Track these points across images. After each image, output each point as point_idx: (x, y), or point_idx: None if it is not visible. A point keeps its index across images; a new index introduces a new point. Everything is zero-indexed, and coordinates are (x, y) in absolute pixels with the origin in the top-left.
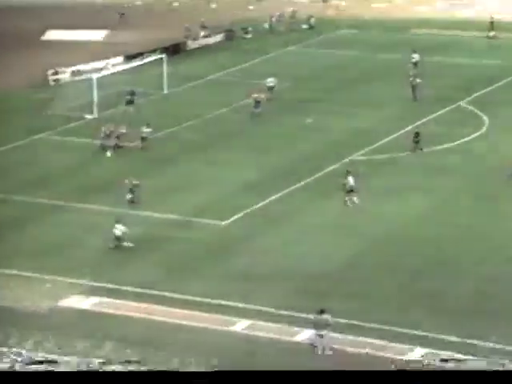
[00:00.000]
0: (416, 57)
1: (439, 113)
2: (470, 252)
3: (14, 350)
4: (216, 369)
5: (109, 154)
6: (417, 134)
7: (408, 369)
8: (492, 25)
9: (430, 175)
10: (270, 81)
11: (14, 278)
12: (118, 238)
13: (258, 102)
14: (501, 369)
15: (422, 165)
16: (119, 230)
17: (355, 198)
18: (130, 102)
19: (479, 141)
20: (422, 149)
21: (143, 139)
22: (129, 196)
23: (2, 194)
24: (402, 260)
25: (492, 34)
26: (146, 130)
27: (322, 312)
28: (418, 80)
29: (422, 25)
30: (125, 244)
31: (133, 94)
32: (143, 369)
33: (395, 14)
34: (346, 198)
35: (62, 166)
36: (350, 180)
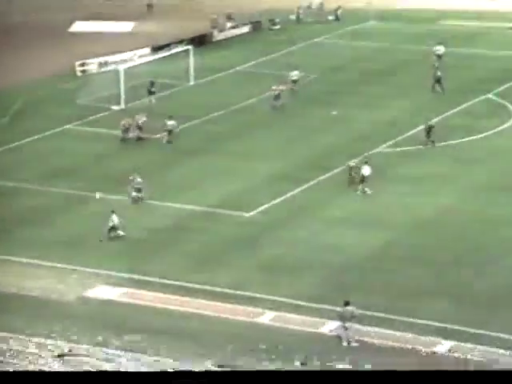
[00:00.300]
0: (441, 49)
1: (466, 104)
2: (496, 244)
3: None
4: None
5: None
6: (429, 128)
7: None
8: None
9: (456, 167)
10: (294, 74)
11: (41, 268)
12: (113, 228)
13: (277, 95)
14: None
15: (449, 157)
16: (113, 220)
17: (367, 189)
18: (150, 93)
19: (507, 132)
20: (433, 141)
21: (169, 132)
22: (134, 194)
23: (29, 184)
24: (428, 252)
25: None
26: (169, 122)
27: (347, 304)
28: (439, 73)
29: (450, 16)
30: (119, 233)
31: (152, 84)
32: (144, 369)
33: (422, 6)
34: (359, 187)
35: (89, 156)
36: (366, 170)
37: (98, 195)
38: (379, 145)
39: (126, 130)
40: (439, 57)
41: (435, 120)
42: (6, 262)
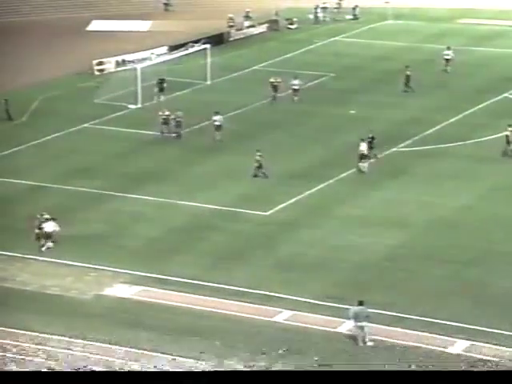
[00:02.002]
0: (449, 53)
1: (485, 103)
2: None
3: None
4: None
5: None
6: (371, 139)
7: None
8: None
9: (475, 166)
10: (295, 83)
11: (60, 266)
12: (48, 236)
13: (275, 87)
14: None
15: (468, 155)
16: (49, 227)
17: (366, 165)
18: (161, 90)
19: None
20: (376, 155)
21: (218, 128)
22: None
23: (47, 183)
24: (445, 251)
25: None
26: (215, 117)
27: (361, 303)
28: (408, 72)
29: (469, 15)
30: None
31: (163, 81)
32: (144, 369)
33: (441, 4)
34: (359, 164)
35: (107, 155)
36: (362, 147)
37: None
38: (397, 144)
39: (165, 123)
40: (448, 61)
41: (455, 118)
42: (24, 260)
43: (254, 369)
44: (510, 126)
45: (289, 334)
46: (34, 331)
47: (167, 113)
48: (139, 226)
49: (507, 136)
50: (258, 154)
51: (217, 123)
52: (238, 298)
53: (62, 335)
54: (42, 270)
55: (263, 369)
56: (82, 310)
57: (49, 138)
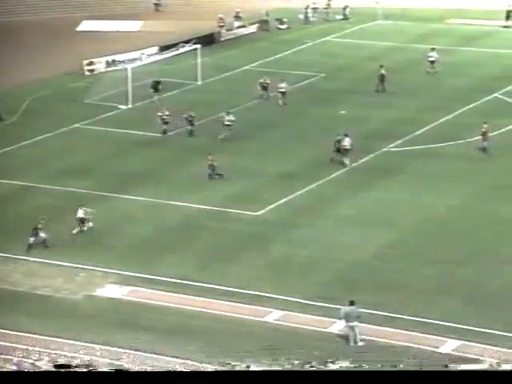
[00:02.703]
0: (434, 55)
1: (475, 103)
2: (506, 243)
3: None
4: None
5: None
6: (338, 142)
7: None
8: (510, 13)
9: (466, 166)
10: (282, 86)
11: (50, 266)
12: (81, 220)
13: (264, 87)
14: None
15: (458, 155)
16: (81, 213)
17: (347, 161)
18: (156, 91)
19: None
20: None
21: (228, 126)
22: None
23: (37, 183)
24: (436, 250)
25: (509, 23)
26: (227, 117)
27: (352, 303)
28: (383, 71)
29: (458, 15)
30: (86, 227)
31: (158, 83)
32: (136, 369)
33: (430, 4)
34: (343, 159)
35: (98, 155)
36: (346, 142)
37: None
38: (388, 143)
39: (166, 122)
40: (432, 63)
41: (446, 118)
42: (15, 260)
43: (252, 369)
44: (485, 123)
45: (280, 334)
46: (25, 332)
47: (167, 113)
48: (130, 227)
49: (483, 132)
50: (210, 157)
51: (227, 123)
52: (229, 298)
53: (53, 336)
54: (33, 271)
55: (255, 369)
56: (73, 311)
57: (39, 138)
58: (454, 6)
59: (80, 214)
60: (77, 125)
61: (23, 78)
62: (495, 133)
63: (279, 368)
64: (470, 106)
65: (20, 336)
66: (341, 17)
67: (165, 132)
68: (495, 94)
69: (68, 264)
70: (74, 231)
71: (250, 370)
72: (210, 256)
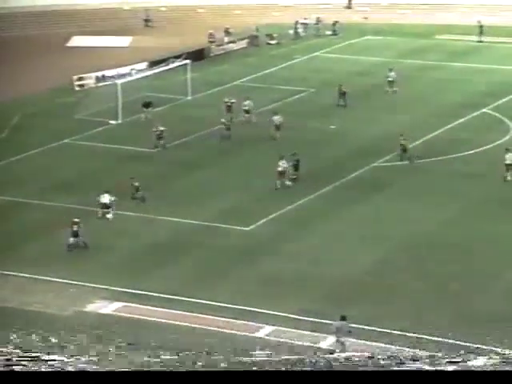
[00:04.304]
0: (392, 75)
1: (464, 119)
2: (496, 258)
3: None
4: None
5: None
6: (297, 162)
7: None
8: (481, 29)
9: (455, 181)
10: (246, 104)
11: (40, 282)
12: (105, 205)
13: (229, 107)
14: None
15: (448, 171)
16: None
17: (289, 182)
18: (146, 107)
19: (505, 147)
20: (294, 179)
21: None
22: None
23: (27, 199)
24: (426, 266)
25: (482, 38)
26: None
27: (343, 319)
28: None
29: (447, 30)
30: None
31: (149, 104)
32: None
33: (419, 20)
34: (283, 181)
35: (87, 171)
36: (282, 163)
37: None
38: (378, 159)
39: (159, 137)
40: (390, 83)
41: (435, 133)
42: (4, 276)
43: (254, 369)
44: (401, 135)
45: (270, 350)
46: (15, 348)
47: (161, 128)
48: (120, 242)
49: (402, 145)
50: (134, 182)
51: (275, 123)
52: (219, 314)
53: (40, 352)
54: (23, 287)
55: (255, 369)
56: (63, 327)
57: (29, 153)
58: (442, 21)
59: (104, 199)
60: (67, 140)
61: (13, 93)
62: (484, 148)
63: (276, 368)
64: (459, 121)
65: (9, 352)
66: (330, 32)
67: (156, 146)
68: (484, 110)
69: (58, 279)
70: (99, 214)
71: (250, 370)
72: (200, 271)
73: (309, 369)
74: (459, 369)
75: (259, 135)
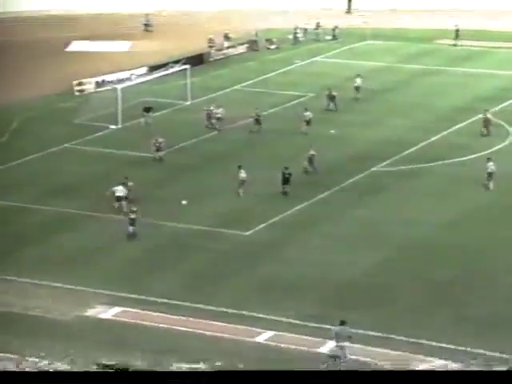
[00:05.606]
0: (358, 81)
1: (464, 123)
2: (496, 261)
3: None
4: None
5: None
6: (289, 175)
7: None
8: (457, 33)
9: (455, 185)
10: (219, 112)
11: (40, 287)
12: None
13: (210, 117)
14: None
15: (448, 175)
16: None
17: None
18: (147, 111)
19: (504, 151)
20: (286, 192)
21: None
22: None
23: (27, 204)
24: (427, 269)
25: (459, 42)
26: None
27: (342, 323)
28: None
29: (446, 35)
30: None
31: (149, 109)
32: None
33: (419, 25)
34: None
35: (87, 175)
36: (242, 173)
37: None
38: (377, 163)
39: (159, 149)
40: (357, 88)
41: (435, 138)
42: (4, 281)
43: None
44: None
45: (270, 355)
46: (17, 354)
47: (161, 140)
48: (119, 247)
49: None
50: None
51: (306, 119)
52: (219, 319)
53: (43, 357)
54: (24, 292)
55: (250, 369)
56: (63, 332)
57: (29, 158)
58: (441, 26)
59: (118, 192)
60: (66, 145)
61: (12, 98)
62: (483, 153)
63: (277, 368)
64: (458, 126)
65: (11, 358)
66: (330, 37)
67: (155, 159)
68: (484, 114)
69: (58, 284)
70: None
71: (250, 370)
72: (199, 276)
73: (309, 369)
74: (459, 369)
75: (254, 140)
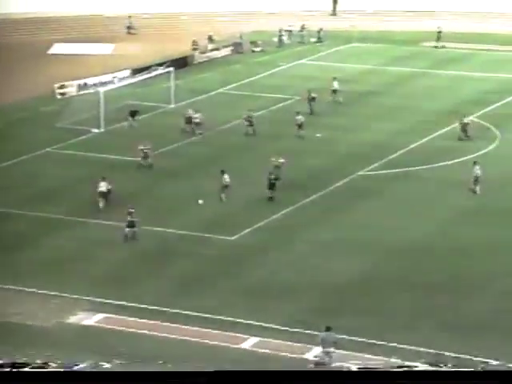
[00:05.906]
0: (335, 84)
1: (451, 126)
2: (483, 267)
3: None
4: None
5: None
6: (275, 180)
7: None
8: (439, 35)
9: (442, 189)
10: (197, 116)
11: (22, 293)
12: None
13: (190, 121)
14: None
15: (435, 179)
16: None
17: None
18: (132, 116)
19: (492, 155)
20: (272, 198)
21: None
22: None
23: (8, 209)
24: (414, 275)
25: (440, 44)
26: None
27: (328, 329)
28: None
29: (433, 38)
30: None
31: (135, 112)
32: (143, 369)
33: (405, 28)
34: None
35: (70, 180)
36: (226, 177)
37: (200, 201)
38: (363, 167)
39: (145, 157)
40: (334, 92)
41: (422, 141)
42: None
43: (251, 369)
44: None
45: (255, 361)
46: None
47: (148, 146)
48: (103, 252)
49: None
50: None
51: (298, 123)
52: (204, 325)
53: (24, 364)
54: (5, 298)
55: (250, 369)
56: (45, 339)
57: (10, 162)
58: (428, 29)
59: (102, 188)
60: (48, 149)
61: None
62: (469, 156)
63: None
64: (446, 129)
65: None
66: (315, 39)
67: (142, 165)
68: (471, 118)
69: (40, 291)
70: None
71: (250, 370)
72: (185, 282)
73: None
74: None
75: (239, 144)
